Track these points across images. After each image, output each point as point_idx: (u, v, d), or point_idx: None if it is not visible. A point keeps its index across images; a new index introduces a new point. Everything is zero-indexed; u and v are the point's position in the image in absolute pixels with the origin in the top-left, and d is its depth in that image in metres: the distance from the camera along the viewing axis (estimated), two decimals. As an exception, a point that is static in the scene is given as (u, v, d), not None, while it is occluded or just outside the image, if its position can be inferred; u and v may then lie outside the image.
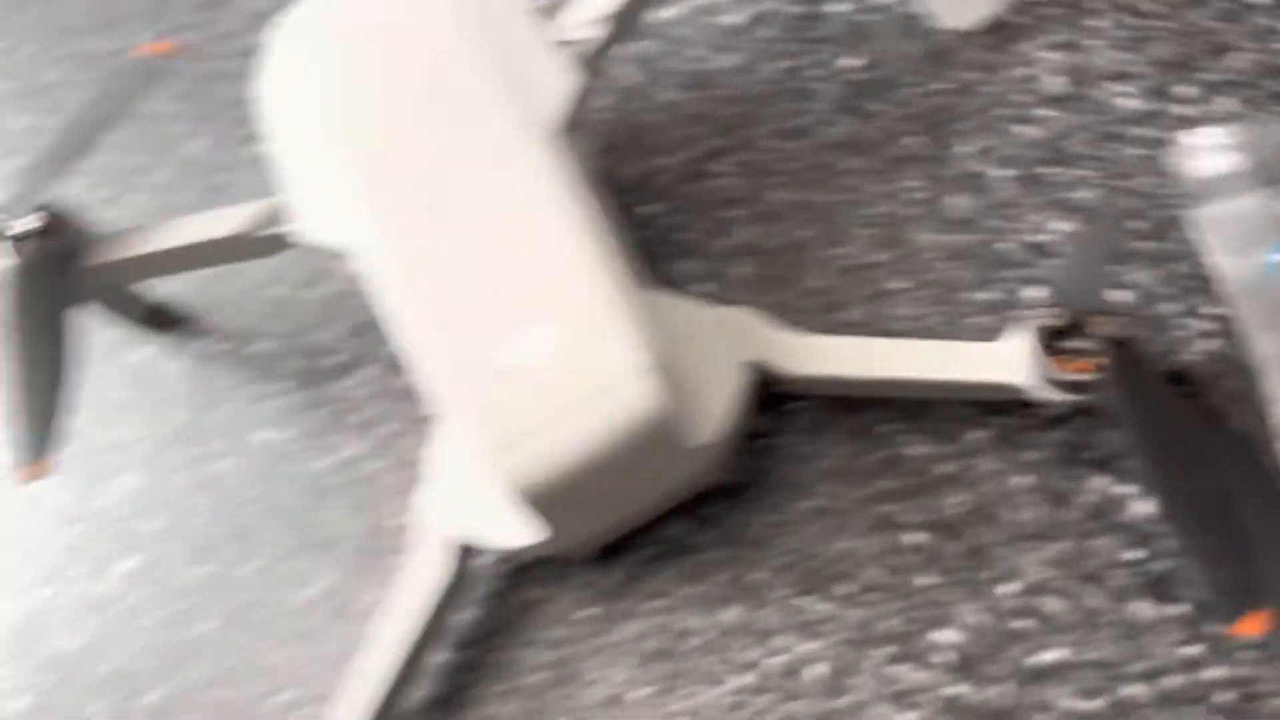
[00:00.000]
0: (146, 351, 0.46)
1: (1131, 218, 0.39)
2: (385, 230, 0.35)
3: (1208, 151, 0.39)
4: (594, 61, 0.39)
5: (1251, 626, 0.29)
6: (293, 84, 0.38)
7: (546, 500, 0.33)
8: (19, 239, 0.38)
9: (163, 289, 0.46)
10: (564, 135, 0.36)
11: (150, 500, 0.43)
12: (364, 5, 0.38)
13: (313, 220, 0.37)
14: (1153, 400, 0.32)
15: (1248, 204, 0.38)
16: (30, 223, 0.39)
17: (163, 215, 0.42)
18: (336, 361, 0.44)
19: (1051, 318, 0.33)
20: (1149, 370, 0.32)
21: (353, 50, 0.38)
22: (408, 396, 0.42)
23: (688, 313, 0.37)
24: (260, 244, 0.39)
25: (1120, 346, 0.32)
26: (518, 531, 0.35)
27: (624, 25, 0.40)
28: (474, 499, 0.36)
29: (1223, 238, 0.38)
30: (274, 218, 0.39)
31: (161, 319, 0.46)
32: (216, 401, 0.44)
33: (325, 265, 0.45)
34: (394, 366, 0.42)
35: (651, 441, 0.33)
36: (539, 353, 0.33)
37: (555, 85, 0.36)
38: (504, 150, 0.35)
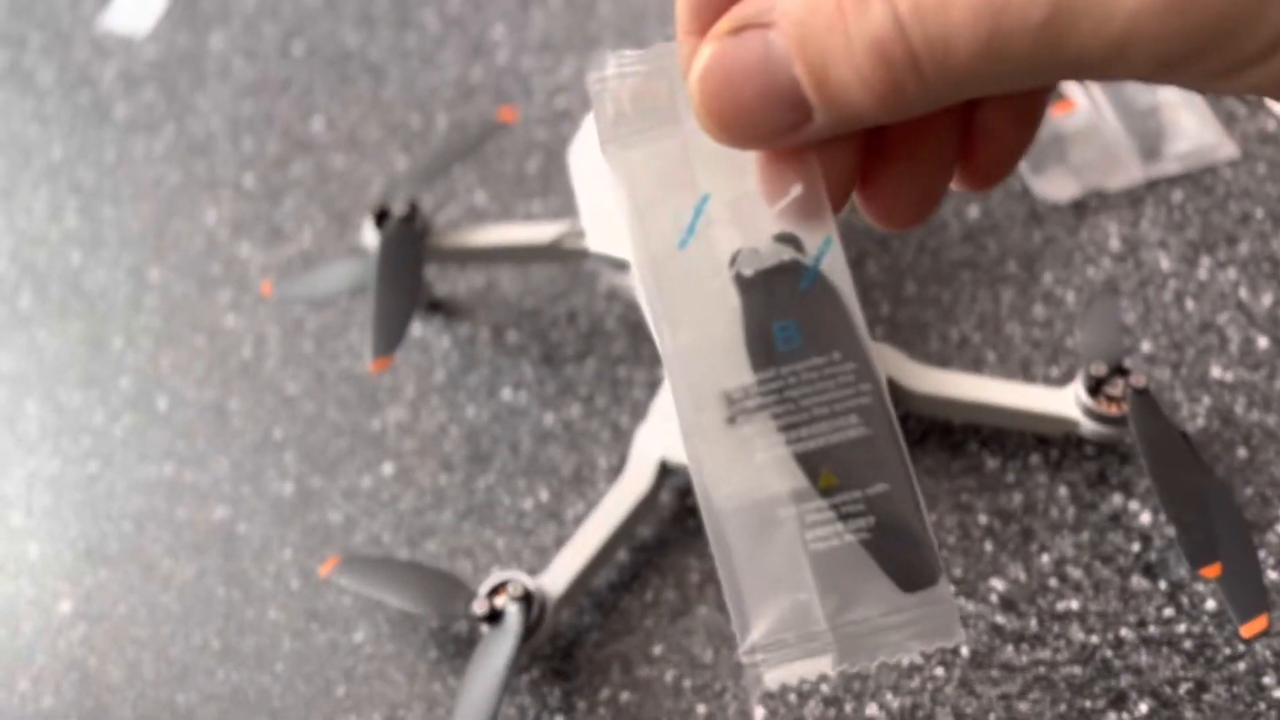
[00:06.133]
0: (426, 328, 0.63)
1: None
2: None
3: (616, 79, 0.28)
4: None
5: (1211, 572, 0.44)
6: (592, 150, 0.56)
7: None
8: (401, 217, 0.56)
9: (440, 288, 0.63)
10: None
11: (410, 429, 0.59)
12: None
13: (600, 239, 0.54)
14: (1161, 434, 0.47)
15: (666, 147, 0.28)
16: (402, 207, 0.57)
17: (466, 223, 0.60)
18: (568, 354, 0.60)
19: (1095, 370, 0.48)
20: (1159, 413, 0.48)
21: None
22: (622, 383, 0.58)
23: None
24: (565, 252, 0.57)
25: (1140, 394, 0.48)
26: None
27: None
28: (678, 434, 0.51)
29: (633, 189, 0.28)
30: (576, 235, 0.56)
31: (438, 307, 0.63)
32: (472, 368, 0.61)
33: (568, 286, 0.62)
34: (612, 362, 0.59)
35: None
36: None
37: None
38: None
